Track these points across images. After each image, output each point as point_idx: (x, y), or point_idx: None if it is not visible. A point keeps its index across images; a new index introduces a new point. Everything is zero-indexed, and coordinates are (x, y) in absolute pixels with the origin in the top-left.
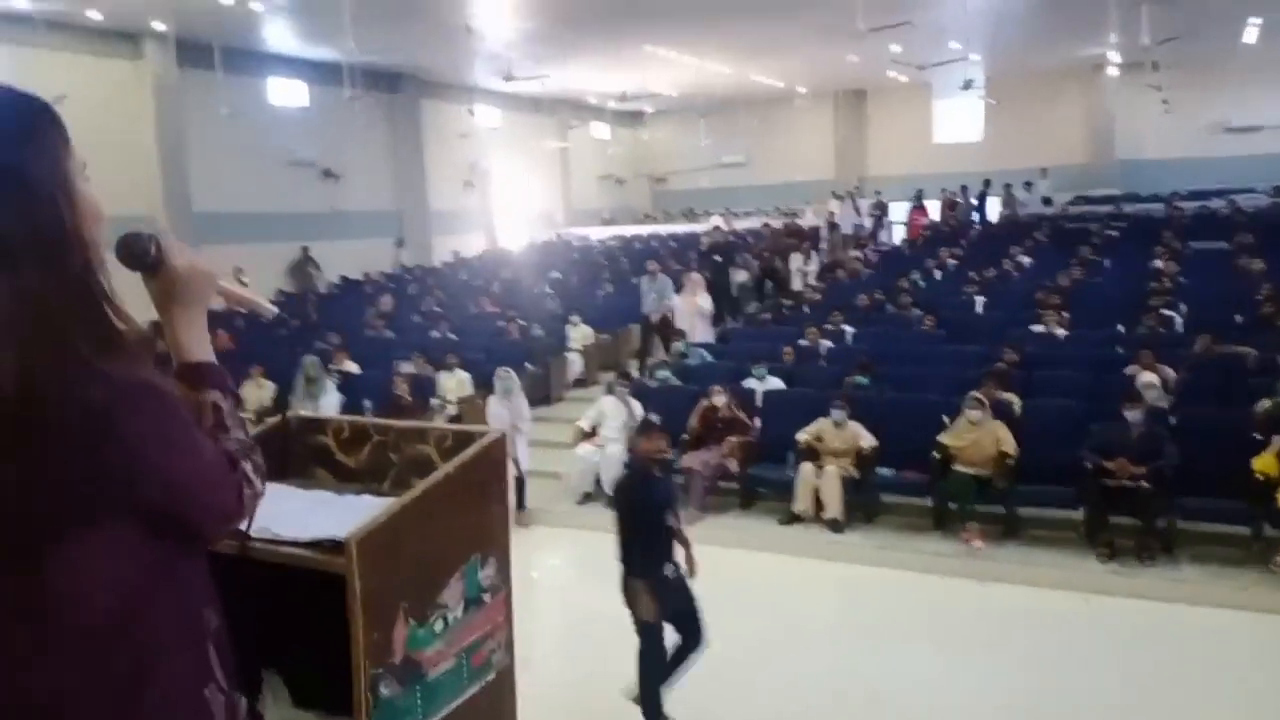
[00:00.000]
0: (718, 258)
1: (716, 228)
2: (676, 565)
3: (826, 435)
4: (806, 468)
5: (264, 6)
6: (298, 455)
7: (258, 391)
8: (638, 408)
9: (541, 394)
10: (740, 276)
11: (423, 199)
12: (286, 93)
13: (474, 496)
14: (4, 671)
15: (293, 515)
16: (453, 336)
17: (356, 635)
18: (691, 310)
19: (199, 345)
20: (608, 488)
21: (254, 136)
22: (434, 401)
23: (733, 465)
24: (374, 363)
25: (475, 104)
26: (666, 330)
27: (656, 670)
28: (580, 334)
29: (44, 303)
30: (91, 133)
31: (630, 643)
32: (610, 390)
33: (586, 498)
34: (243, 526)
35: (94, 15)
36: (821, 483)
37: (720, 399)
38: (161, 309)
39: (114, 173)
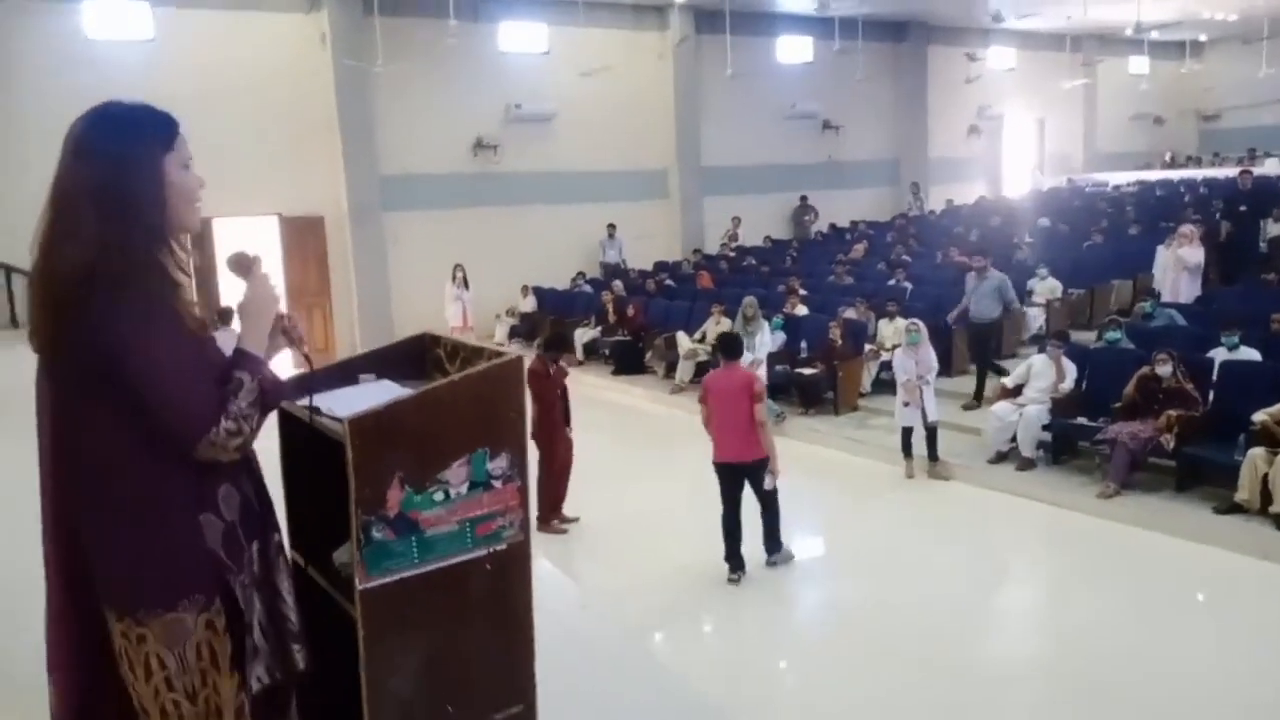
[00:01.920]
0: (1243, 207)
1: (1245, 172)
2: None
3: None
4: (1256, 452)
5: None
6: (428, 362)
7: (715, 327)
8: (1071, 369)
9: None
10: (1274, 230)
11: (922, 147)
12: (792, 49)
13: (483, 401)
14: (57, 488)
15: (355, 400)
16: (907, 285)
17: (351, 489)
18: (1173, 264)
19: (251, 340)
20: (1024, 448)
21: (758, 93)
22: (868, 347)
23: (1167, 441)
24: (824, 307)
25: (990, 45)
26: (988, 340)
27: None
28: (1046, 287)
29: (112, 236)
30: (621, 100)
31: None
32: (1041, 348)
33: (1000, 457)
34: (230, 445)
35: None
36: (1273, 471)
37: (1165, 368)
38: (242, 309)
39: (639, 133)
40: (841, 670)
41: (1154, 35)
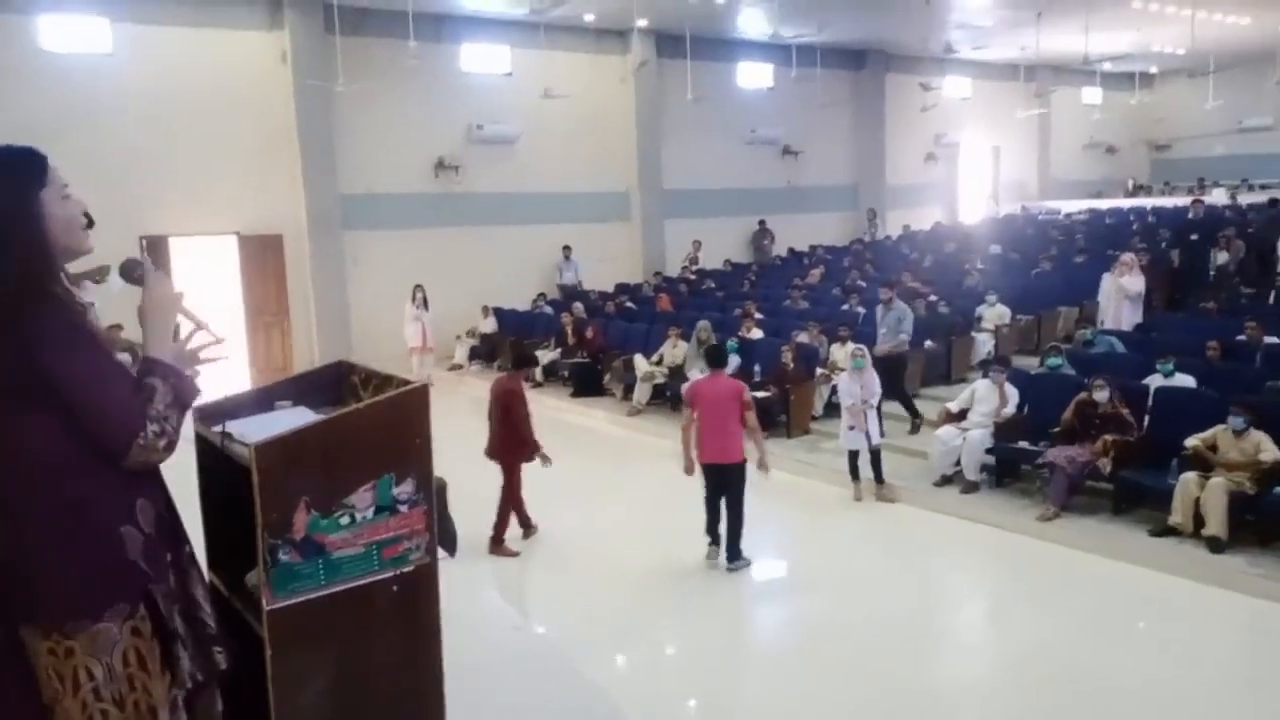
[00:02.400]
0: (1195, 236)
1: (1197, 201)
2: None
3: (1222, 444)
4: (1189, 477)
5: None
6: (344, 389)
7: (672, 350)
8: (1013, 394)
9: (940, 372)
10: (1221, 258)
11: (880, 173)
12: (752, 75)
13: (389, 428)
14: None
15: (268, 426)
16: (859, 310)
17: (256, 513)
18: (1115, 291)
19: (156, 345)
20: (968, 472)
21: (720, 118)
22: (819, 371)
23: (1104, 465)
24: (779, 331)
25: (946, 74)
26: (897, 371)
27: None
28: (995, 314)
29: (7, 275)
30: (583, 122)
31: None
32: (985, 374)
33: (945, 480)
34: (158, 445)
35: (589, 18)
36: (1205, 495)
37: (1102, 393)
38: (141, 315)
39: (601, 155)
40: (793, 686)
41: (1106, 66)
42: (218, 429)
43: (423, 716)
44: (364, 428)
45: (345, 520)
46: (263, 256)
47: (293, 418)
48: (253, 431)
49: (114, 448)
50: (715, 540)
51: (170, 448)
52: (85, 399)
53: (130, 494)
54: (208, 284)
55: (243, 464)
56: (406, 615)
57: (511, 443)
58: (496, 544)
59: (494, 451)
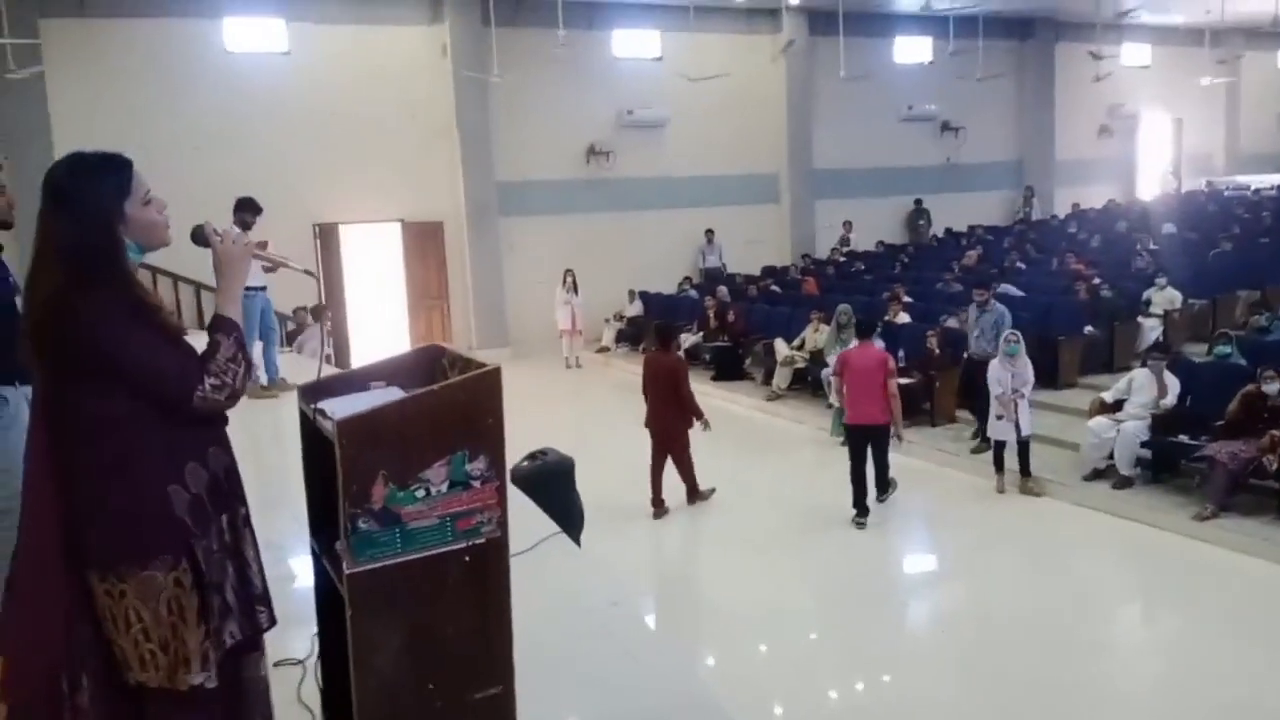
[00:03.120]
0: None
1: None
2: None
3: None
4: None
5: None
6: (436, 371)
7: (814, 335)
8: (1174, 384)
9: (1101, 359)
10: None
11: (1049, 149)
12: (909, 49)
13: (463, 408)
14: (55, 449)
15: (358, 404)
16: (1018, 293)
17: (339, 484)
18: None
19: (224, 302)
20: (1121, 466)
21: (873, 95)
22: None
23: (1270, 462)
24: (929, 315)
25: (1122, 41)
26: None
27: None
28: (1164, 297)
29: (78, 263)
30: (732, 103)
31: None
32: (1144, 362)
33: (1096, 474)
34: (219, 398)
35: None
36: None
37: (1272, 385)
38: (216, 273)
39: (750, 137)
40: (922, 680)
41: None
42: (314, 406)
43: (491, 682)
44: (439, 407)
45: (420, 493)
46: (424, 242)
47: (382, 397)
48: (342, 409)
49: (176, 401)
50: (863, 513)
51: (234, 397)
52: (142, 367)
53: (182, 456)
54: (374, 269)
55: (330, 439)
56: (477, 585)
57: (680, 413)
58: (693, 494)
59: (659, 423)
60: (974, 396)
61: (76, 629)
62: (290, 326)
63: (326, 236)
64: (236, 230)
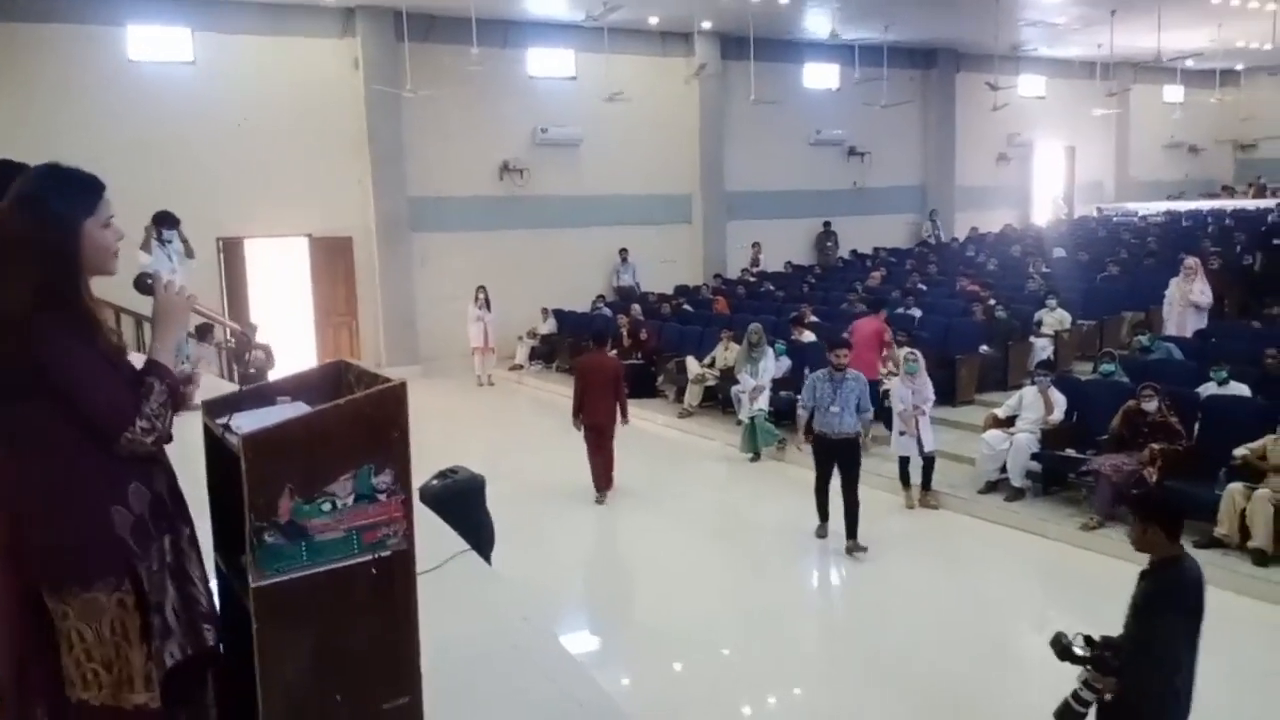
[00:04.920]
0: (1277, 240)
1: None
2: None
3: (1273, 454)
4: (1235, 487)
5: None
6: (342, 385)
7: (724, 353)
8: (1060, 401)
9: (996, 377)
10: None
11: (950, 174)
12: (817, 76)
13: (369, 421)
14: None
15: (264, 419)
16: (915, 313)
17: (245, 498)
18: (1180, 299)
19: (160, 349)
20: (1014, 478)
21: (783, 119)
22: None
23: (1151, 474)
24: (834, 334)
25: (1019, 73)
26: None
27: None
28: (1055, 319)
29: (36, 274)
30: (646, 124)
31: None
32: (1031, 380)
33: (990, 487)
34: (145, 440)
35: (653, 21)
36: (1250, 506)
37: (1150, 402)
38: (153, 321)
39: (664, 158)
40: (828, 688)
41: (1188, 64)
42: (221, 421)
43: (399, 692)
44: (344, 421)
45: (327, 506)
46: (333, 258)
47: (288, 412)
48: (248, 424)
49: (106, 437)
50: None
51: (159, 441)
52: (79, 394)
53: (124, 478)
54: (279, 284)
55: (236, 453)
56: (384, 596)
57: (614, 409)
58: (608, 485)
59: (600, 415)
60: (824, 485)
61: (23, 644)
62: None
63: (231, 251)
64: (180, 281)
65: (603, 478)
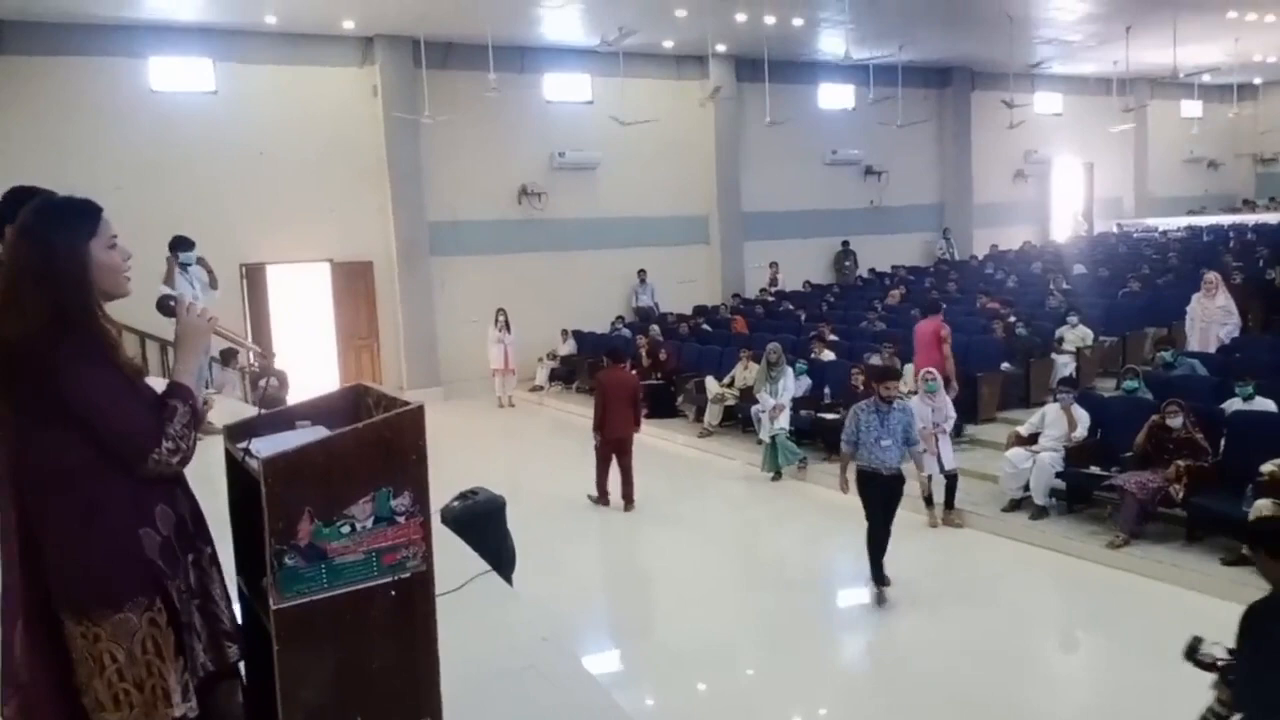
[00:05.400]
0: None
1: None
2: None
3: None
4: (1263, 503)
5: (803, 21)
6: (361, 409)
7: (743, 372)
8: (1083, 418)
9: (1018, 395)
10: None
11: (967, 192)
12: (832, 97)
13: (388, 444)
14: (19, 497)
15: (285, 443)
16: None
17: (264, 521)
18: (1199, 313)
19: (183, 371)
20: (1037, 496)
21: (799, 140)
22: None
23: (1176, 491)
24: (853, 352)
25: (1035, 90)
26: None
27: None
28: (1076, 335)
29: (49, 304)
30: (663, 147)
31: None
32: (1054, 397)
33: (1014, 505)
34: (172, 462)
35: (668, 45)
36: None
37: (1175, 419)
38: (175, 343)
39: (681, 179)
40: (859, 711)
41: (1205, 78)
42: (242, 445)
43: (419, 714)
44: (363, 445)
45: (346, 529)
46: (354, 282)
47: (308, 435)
48: (268, 448)
49: (130, 461)
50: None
51: (184, 462)
52: (101, 420)
53: (150, 500)
54: (302, 309)
55: (256, 477)
56: (404, 618)
57: (633, 422)
58: (631, 499)
59: (619, 428)
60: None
61: (40, 675)
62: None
63: (253, 277)
64: (201, 305)
65: (628, 489)
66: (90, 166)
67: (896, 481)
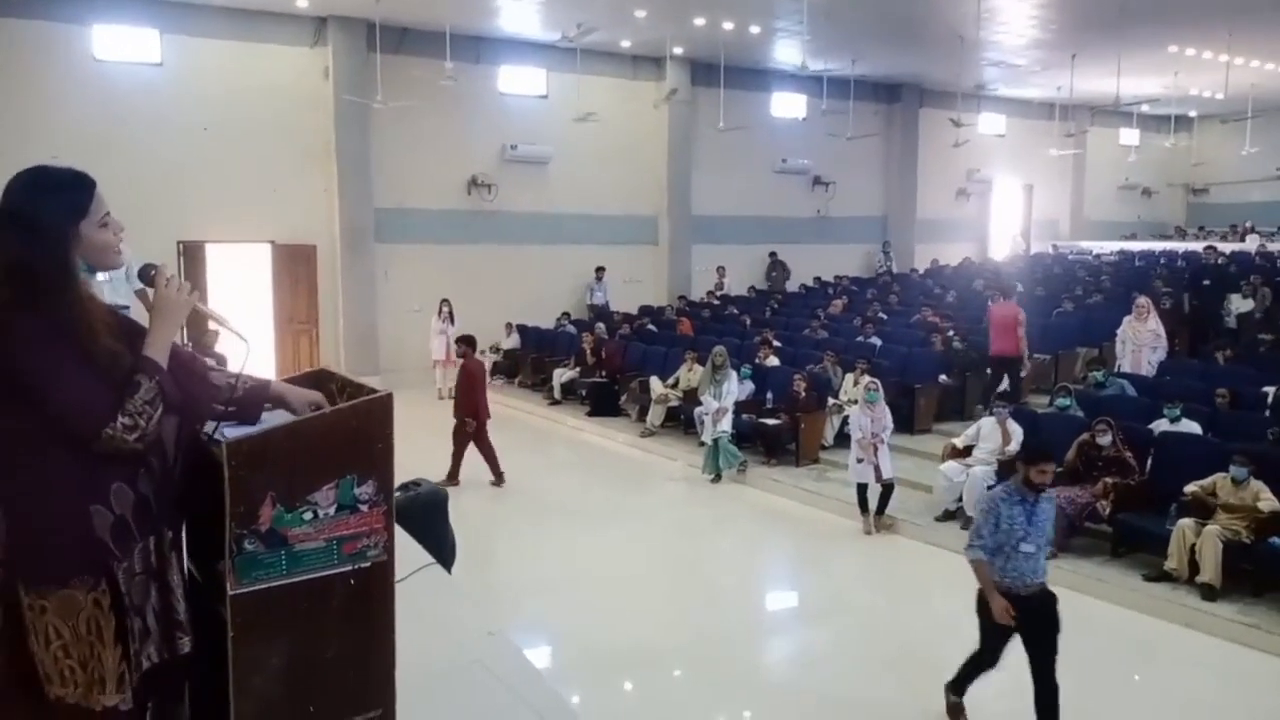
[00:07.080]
0: (1207, 281)
1: (1209, 248)
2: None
3: (1222, 491)
4: (1186, 522)
5: (760, 29)
6: (327, 395)
7: (688, 374)
8: (1017, 432)
9: (954, 407)
10: (1243, 305)
11: (911, 206)
12: (784, 105)
13: (352, 433)
14: None
15: (248, 427)
16: (876, 342)
17: (225, 504)
18: (1137, 336)
19: (153, 345)
20: (969, 508)
21: (751, 146)
22: (831, 401)
23: (1103, 507)
24: (797, 359)
25: (980, 111)
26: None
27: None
28: None
29: (24, 280)
30: (615, 146)
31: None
32: (990, 411)
33: (947, 515)
34: (128, 438)
35: (625, 44)
36: (1200, 541)
37: (1104, 436)
38: (151, 315)
39: (632, 179)
40: (786, 710)
41: (1144, 109)
42: (205, 430)
43: (371, 705)
44: (329, 431)
45: (308, 516)
46: (295, 265)
47: (271, 420)
48: (232, 430)
49: (82, 435)
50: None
51: (142, 439)
52: (49, 393)
53: (106, 477)
54: (240, 290)
55: (217, 460)
56: (362, 609)
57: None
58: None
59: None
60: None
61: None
62: None
63: (192, 255)
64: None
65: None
66: (25, 133)
67: (1045, 602)
